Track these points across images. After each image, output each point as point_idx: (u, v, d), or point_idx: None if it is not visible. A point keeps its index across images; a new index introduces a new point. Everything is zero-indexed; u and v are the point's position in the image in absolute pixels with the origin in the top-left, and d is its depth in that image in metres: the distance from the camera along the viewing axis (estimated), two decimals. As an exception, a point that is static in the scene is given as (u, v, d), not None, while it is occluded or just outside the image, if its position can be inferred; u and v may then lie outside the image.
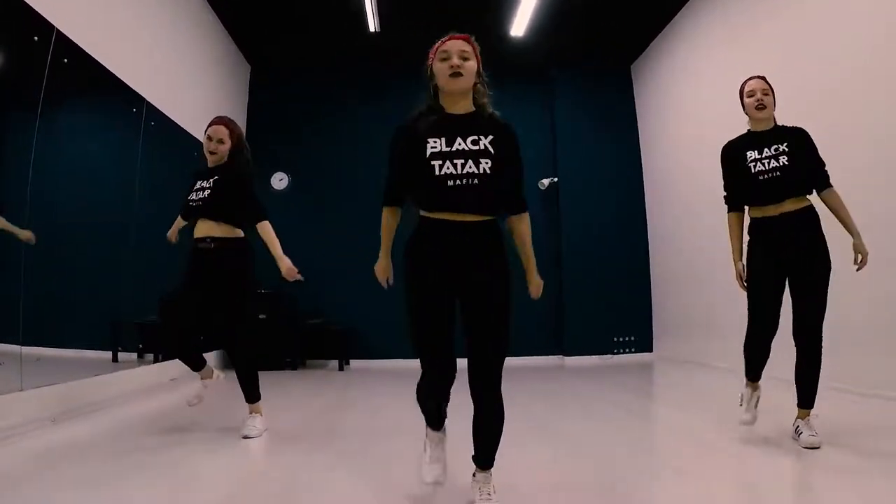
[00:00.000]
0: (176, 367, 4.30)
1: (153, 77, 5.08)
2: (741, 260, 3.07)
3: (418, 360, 2.07)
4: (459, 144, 2.01)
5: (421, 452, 2.22)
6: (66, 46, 3.85)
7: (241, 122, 7.57)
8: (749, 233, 3.07)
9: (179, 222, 3.59)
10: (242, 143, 3.49)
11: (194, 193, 3.39)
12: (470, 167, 1.98)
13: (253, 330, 3.69)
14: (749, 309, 3.02)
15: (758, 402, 3.03)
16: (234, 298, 3.34)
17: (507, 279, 2.08)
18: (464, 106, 2.12)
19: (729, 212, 3.18)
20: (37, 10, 3.55)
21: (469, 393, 2.02)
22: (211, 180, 3.35)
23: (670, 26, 7.01)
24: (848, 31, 4.16)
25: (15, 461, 2.70)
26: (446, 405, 2.20)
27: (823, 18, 4.42)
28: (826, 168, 2.94)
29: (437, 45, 2.14)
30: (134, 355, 4.98)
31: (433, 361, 2.06)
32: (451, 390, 2.11)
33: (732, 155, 3.10)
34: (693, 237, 6.33)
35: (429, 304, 2.04)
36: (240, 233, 3.38)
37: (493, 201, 2.05)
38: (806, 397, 2.84)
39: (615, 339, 7.39)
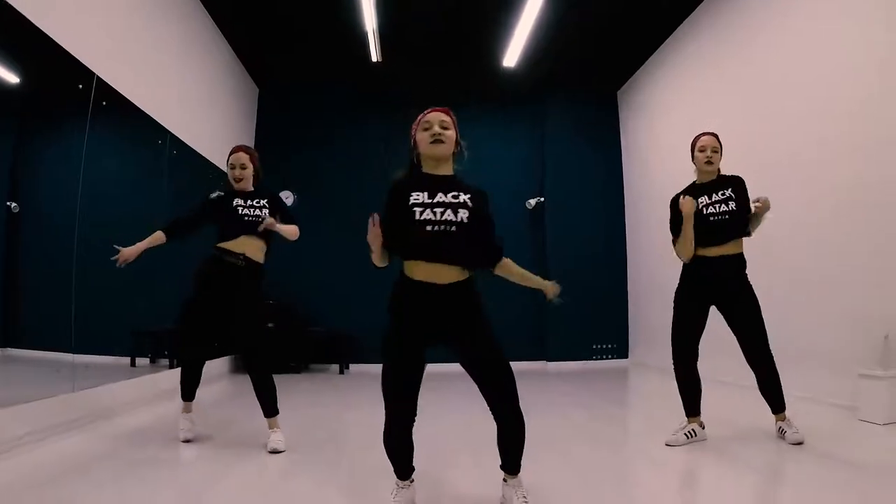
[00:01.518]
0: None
1: (174, 110, 5.62)
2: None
3: (386, 402, 2.20)
4: (440, 197, 2.16)
5: (392, 490, 2.31)
6: (105, 91, 4.38)
7: (250, 143, 8.11)
8: (683, 271, 3.51)
9: (158, 238, 3.57)
10: (259, 166, 3.74)
11: (246, 210, 3.53)
12: (449, 215, 2.12)
13: (270, 349, 3.91)
14: (674, 341, 3.46)
15: (692, 433, 3.32)
16: (254, 318, 3.54)
17: (488, 321, 2.24)
18: (444, 170, 2.29)
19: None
20: (81, 61, 4.08)
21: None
22: (263, 201, 3.59)
23: (654, 56, 7.54)
24: (813, 60, 4.64)
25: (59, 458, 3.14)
26: (411, 455, 2.28)
27: (788, 52, 4.92)
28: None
29: (419, 117, 2.30)
30: (146, 361, 5.38)
31: (399, 400, 2.19)
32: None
33: (696, 190, 3.48)
34: (667, 254, 6.79)
35: (404, 351, 2.19)
36: (263, 259, 3.63)
37: (468, 251, 2.17)
38: (776, 404, 3.29)
39: (594, 346, 7.98)
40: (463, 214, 2.15)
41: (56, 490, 2.58)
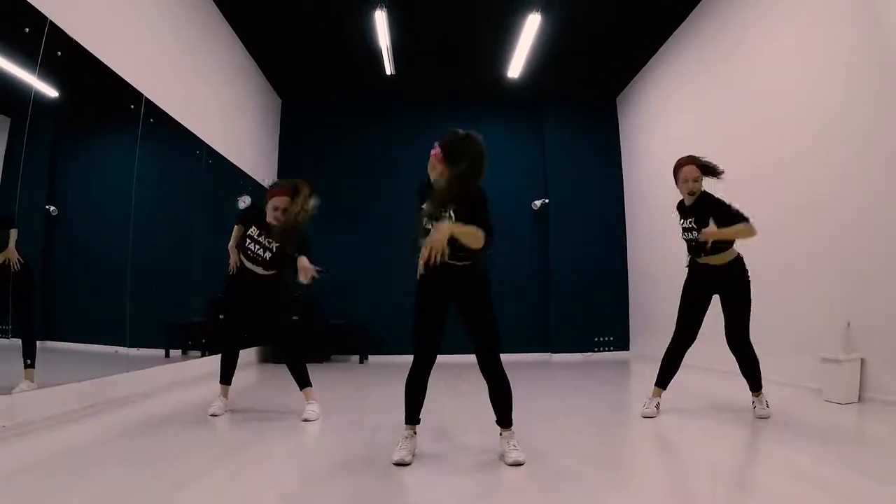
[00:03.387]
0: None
1: (209, 123, 6.21)
2: None
3: (413, 348, 2.81)
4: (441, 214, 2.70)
5: (398, 440, 2.80)
6: (152, 109, 4.98)
7: (274, 150, 8.73)
8: (687, 265, 3.90)
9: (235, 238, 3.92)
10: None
11: (254, 244, 3.84)
12: None
13: (297, 329, 4.20)
14: (678, 324, 3.82)
15: (658, 405, 3.78)
16: (281, 307, 4.01)
17: (489, 295, 2.83)
18: None
19: None
20: (133, 84, 4.69)
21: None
22: (274, 245, 3.85)
23: (651, 63, 7.97)
24: (793, 67, 4.98)
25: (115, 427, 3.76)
26: (422, 401, 2.85)
27: (776, 56, 5.25)
28: (736, 212, 3.58)
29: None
30: (178, 352, 5.87)
31: (423, 346, 2.80)
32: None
33: (678, 210, 3.94)
34: (665, 251, 7.23)
35: (428, 307, 2.81)
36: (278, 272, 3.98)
37: (465, 249, 2.68)
38: (752, 384, 3.66)
39: (596, 339, 8.46)
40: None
41: (131, 442, 3.17)
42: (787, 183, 5.05)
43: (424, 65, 7.98)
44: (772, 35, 5.32)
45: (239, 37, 7.18)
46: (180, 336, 5.91)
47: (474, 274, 2.84)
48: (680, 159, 3.84)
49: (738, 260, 3.76)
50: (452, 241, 2.65)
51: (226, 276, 4.02)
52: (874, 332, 4.07)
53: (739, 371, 3.74)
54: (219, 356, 4.10)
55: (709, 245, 3.65)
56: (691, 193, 3.76)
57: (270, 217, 3.84)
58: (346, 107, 8.93)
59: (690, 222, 3.76)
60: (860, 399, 4.05)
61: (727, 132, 5.89)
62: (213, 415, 3.84)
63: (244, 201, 7.26)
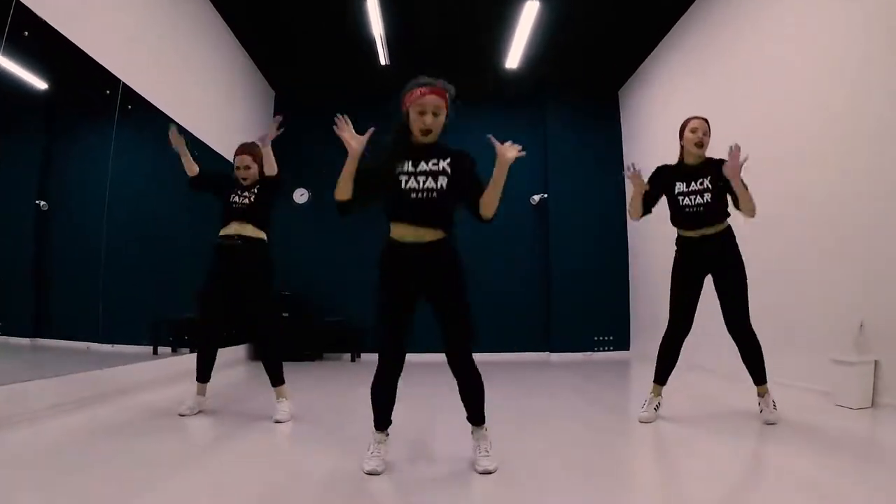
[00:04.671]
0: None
1: (195, 113, 6.01)
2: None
3: (378, 349, 2.53)
4: (422, 166, 2.42)
5: (368, 445, 2.57)
6: (130, 95, 4.76)
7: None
8: (675, 243, 3.68)
9: (193, 166, 4.07)
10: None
11: (235, 197, 3.77)
12: (430, 183, 2.39)
13: (277, 320, 4.01)
14: (671, 311, 3.61)
15: (658, 406, 3.57)
16: (259, 289, 3.72)
17: (462, 281, 2.48)
18: (429, 139, 2.48)
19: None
20: (108, 68, 4.46)
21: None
22: (255, 189, 3.80)
23: (653, 54, 7.72)
24: (798, 58, 4.78)
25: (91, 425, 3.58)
26: (392, 407, 2.58)
27: (779, 47, 5.04)
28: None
29: (414, 93, 2.41)
30: (168, 349, 5.75)
31: (389, 348, 2.49)
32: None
33: (664, 178, 3.64)
34: (666, 249, 7.04)
35: (393, 304, 2.47)
36: (264, 235, 3.81)
37: (447, 214, 2.44)
38: (757, 375, 3.40)
39: (596, 339, 8.23)
40: (442, 181, 2.41)
41: (96, 445, 2.97)
42: (796, 177, 4.81)
43: (420, 56, 7.73)
44: (775, 25, 5.10)
45: (229, 26, 6.97)
46: (168, 332, 5.75)
47: (448, 251, 2.49)
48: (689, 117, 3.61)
49: (730, 230, 3.52)
50: (429, 210, 2.43)
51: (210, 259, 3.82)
52: (889, 332, 3.83)
53: (743, 365, 3.50)
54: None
55: (741, 162, 3.27)
56: (699, 145, 3.49)
57: (239, 177, 3.89)
58: (343, 100, 8.54)
59: (703, 183, 3.47)
60: (873, 404, 3.82)
61: (732, 126, 5.60)
62: (181, 415, 3.64)
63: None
